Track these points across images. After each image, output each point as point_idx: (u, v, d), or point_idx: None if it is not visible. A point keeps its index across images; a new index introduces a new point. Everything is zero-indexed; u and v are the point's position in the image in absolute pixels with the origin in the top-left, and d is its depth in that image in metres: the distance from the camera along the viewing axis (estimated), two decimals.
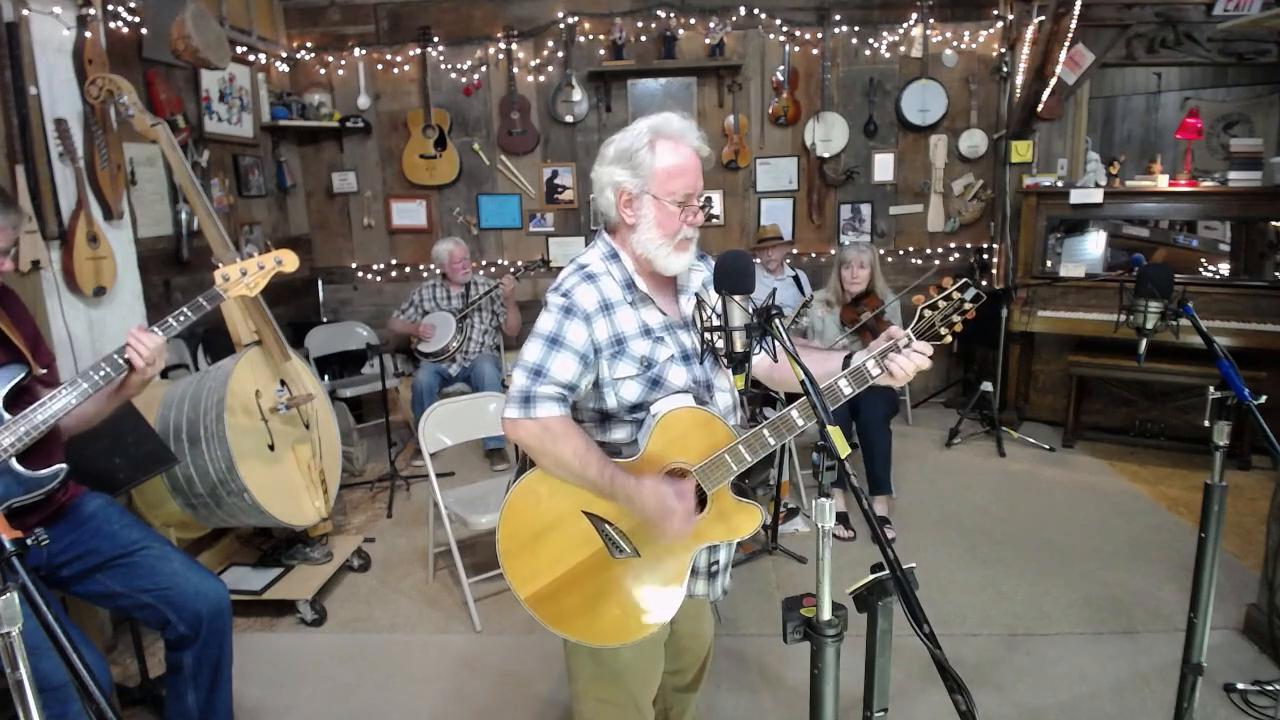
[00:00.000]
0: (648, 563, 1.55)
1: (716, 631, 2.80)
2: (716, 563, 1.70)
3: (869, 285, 3.78)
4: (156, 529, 2.50)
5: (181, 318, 1.91)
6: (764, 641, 2.75)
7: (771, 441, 1.50)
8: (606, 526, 1.54)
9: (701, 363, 1.61)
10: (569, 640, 1.59)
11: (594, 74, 5.11)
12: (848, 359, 1.55)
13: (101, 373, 1.78)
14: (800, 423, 1.47)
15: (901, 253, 5.40)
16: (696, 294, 1.64)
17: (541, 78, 5.19)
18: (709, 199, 5.34)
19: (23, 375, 1.80)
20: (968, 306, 1.51)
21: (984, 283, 5.17)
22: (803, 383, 1.24)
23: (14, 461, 1.72)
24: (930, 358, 1.50)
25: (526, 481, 1.56)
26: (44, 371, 1.89)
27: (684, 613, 1.61)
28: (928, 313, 1.52)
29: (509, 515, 1.56)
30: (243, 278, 2.06)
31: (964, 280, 1.52)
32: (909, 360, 1.48)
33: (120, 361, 1.81)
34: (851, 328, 3.75)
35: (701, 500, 1.55)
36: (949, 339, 1.52)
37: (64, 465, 1.81)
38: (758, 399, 3.87)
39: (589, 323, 1.52)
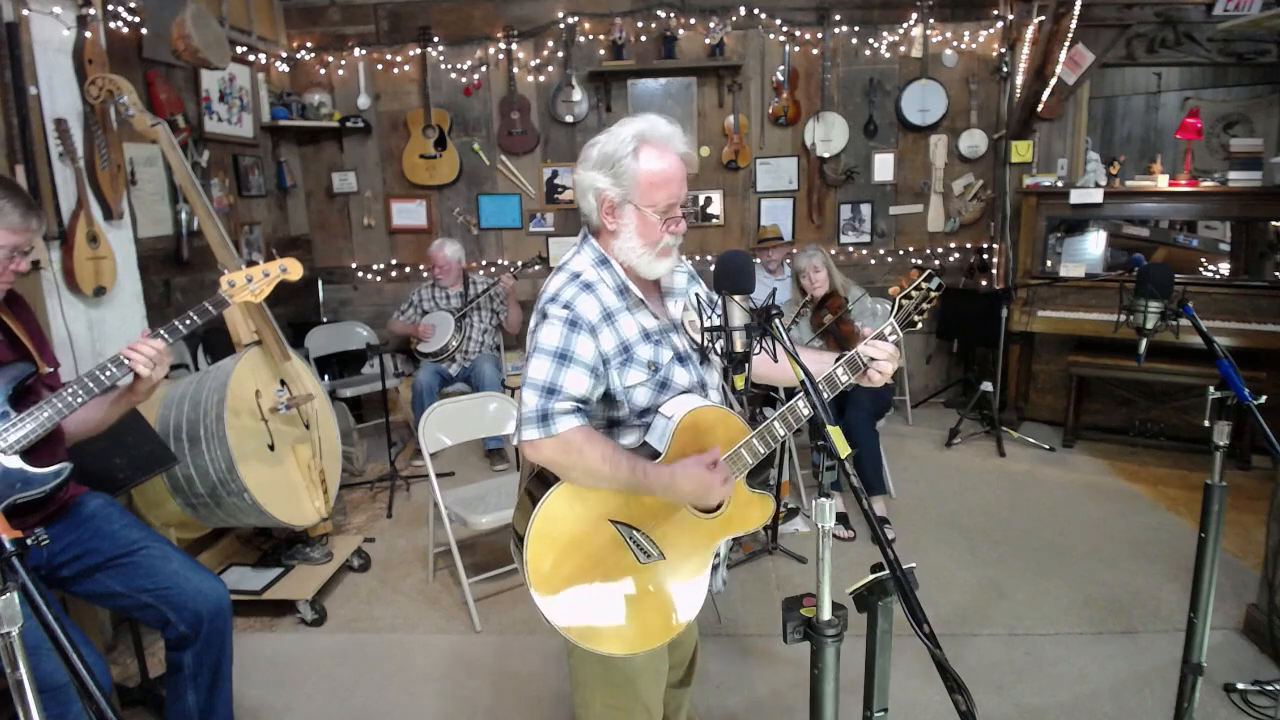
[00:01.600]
0: (672, 564, 1.56)
1: (717, 631, 2.82)
2: (719, 555, 1.71)
3: (830, 286, 3.80)
4: (156, 529, 2.50)
5: (187, 322, 1.92)
6: (764, 641, 2.75)
7: (782, 433, 1.54)
8: (634, 533, 1.53)
9: (691, 361, 1.63)
10: (575, 649, 1.55)
11: (594, 74, 5.11)
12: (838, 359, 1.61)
13: (107, 373, 1.79)
14: (806, 412, 1.50)
15: (901, 253, 5.40)
16: (697, 294, 1.65)
17: (541, 78, 5.19)
18: (708, 198, 5.34)
19: (30, 373, 1.80)
20: (933, 295, 1.61)
21: (983, 283, 5.18)
22: (803, 382, 1.24)
23: (18, 458, 1.72)
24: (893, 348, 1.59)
25: (545, 509, 1.50)
26: (49, 371, 1.90)
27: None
28: (904, 303, 1.60)
29: (534, 543, 1.49)
30: (248, 285, 2.07)
31: (928, 271, 1.62)
32: (880, 352, 1.56)
33: (123, 361, 1.81)
34: (819, 331, 3.77)
35: None
36: (919, 325, 1.64)
37: (68, 464, 1.82)
38: (758, 399, 3.88)
39: (595, 335, 1.50)
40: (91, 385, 1.77)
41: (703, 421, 1.54)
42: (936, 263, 5.37)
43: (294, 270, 2.16)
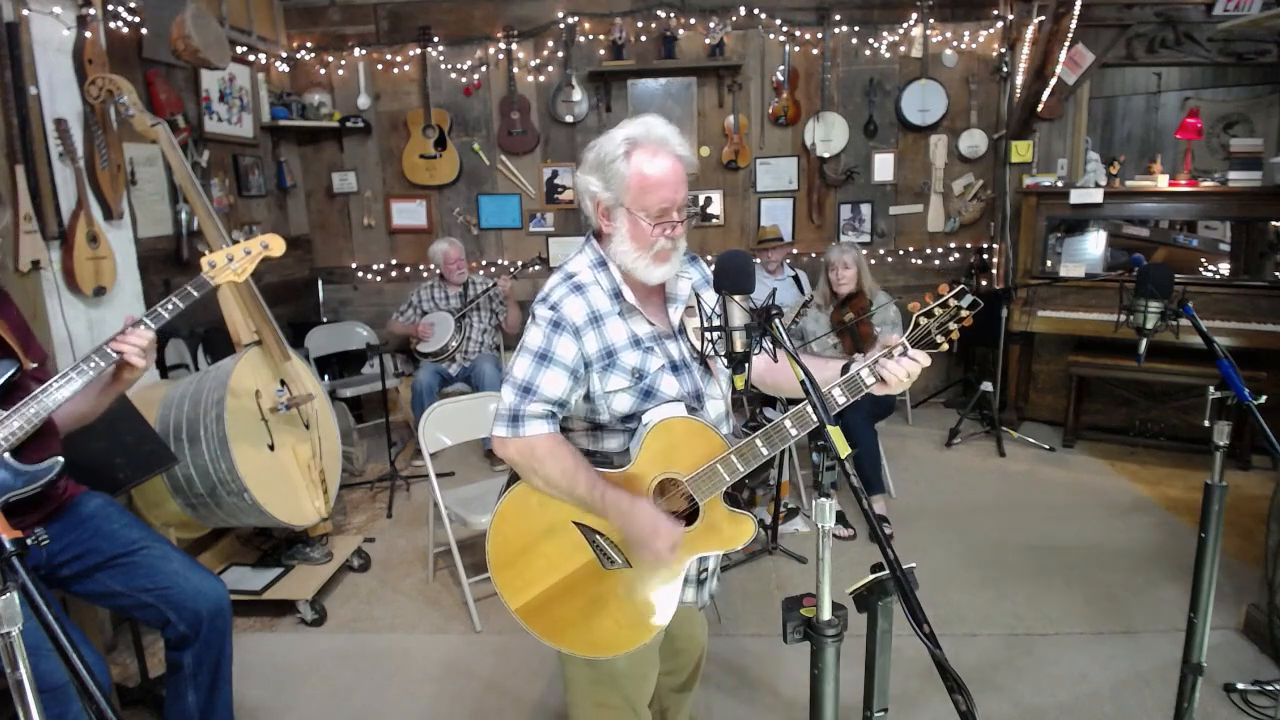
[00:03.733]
0: (640, 573, 1.55)
1: (717, 631, 2.81)
2: (705, 570, 1.69)
3: (857, 285, 3.78)
4: (156, 529, 2.50)
5: (170, 307, 1.87)
6: (764, 641, 2.75)
7: (764, 451, 1.46)
8: (598, 537, 1.53)
9: (688, 370, 1.58)
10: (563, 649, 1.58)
11: (594, 74, 5.11)
12: (846, 368, 1.49)
13: (92, 364, 1.76)
14: (794, 432, 1.42)
15: (901, 253, 5.40)
16: (698, 295, 1.62)
17: (541, 78, 5.19)
18: (708, 198, 5.34)
19: (13, 370, 1.78)
20: (964, 314, 1.42)
21: (983, 283, 5.17)
22: (803, 383, 1.23)
23: (8, 455, 1.70)
24: (923, 363, 1.43)
25: (516, 492, 1.54)
26: (34, 366, 1.87)
27: (677, 616, 1.60)
28: (923, 320, 1.44)
29: (499, 526, 1.55)
30: (229, 264, 2.03)
31: (960, 287, 1.44)
32: (900, 367, 1.41)
33: (110, 353, 1.79)
34: (837, 329, 3.75)
35: (694, 511, 1.54)
36: (945, 347, 1.44)
37: (60, 458, 1.79)
38: (757, 399, 3.88)
39: (578, 337, 1.49)
40: (76, 378, 1.75)
41: (677, 432, 1.50)
42: (937, 263, 5.37)
43: (275, 246, 2.11)
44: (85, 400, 1.85)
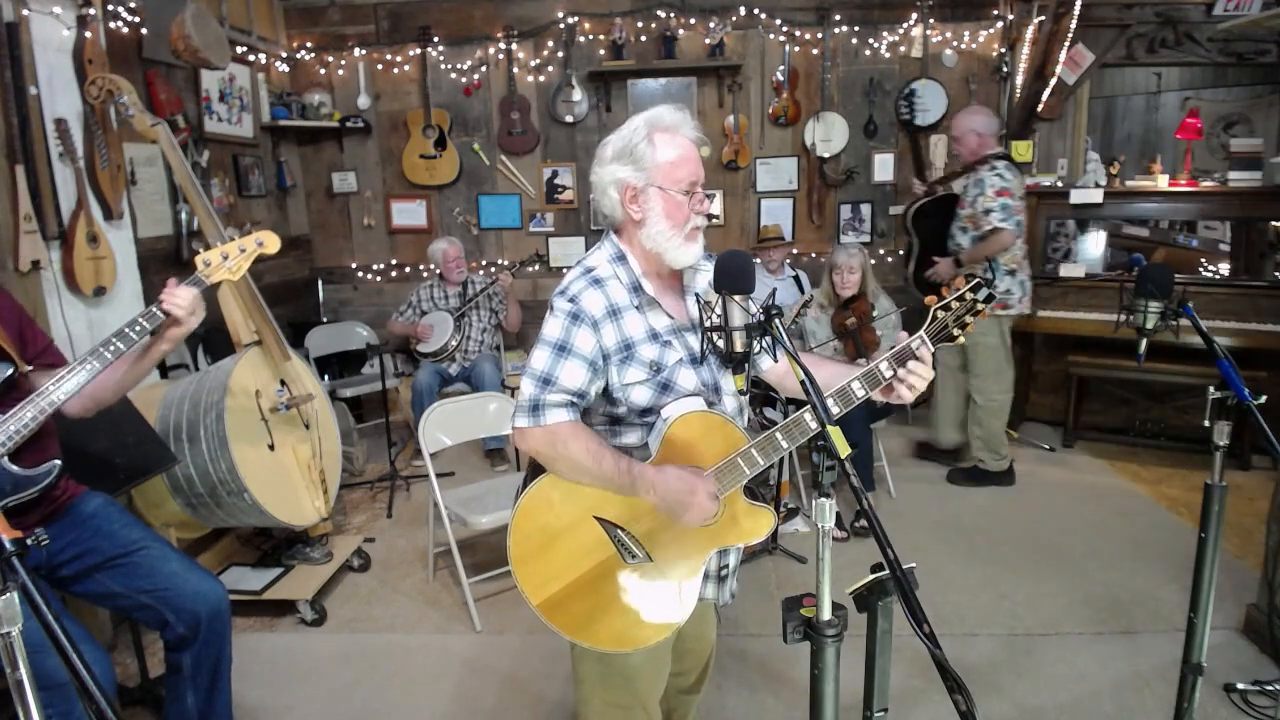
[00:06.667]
0: (660, 567, 1.55)
1: (718, 632, 2.81)
2: (726, 566, 1.69)
3: (860, 288, 3.78)
4: (156, 529, 2.50)
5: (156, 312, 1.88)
6: (765, 641, 2.75)
7: (784, 445, 1.48)
8: (618, 532, 1.53)
9: (704, 362, 1.60)
10: (577, 644, 1.58)
11: (594, 74, 5.11)
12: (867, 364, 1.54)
13: (137, 328, 1.75)
14: (813, 426, 1.43)
15: (901, 253, 5.40)
16: (698, 294, 1.63)
17: (541, 78, 5.19)
18: (709, 197, 5.33)
19: (10, 373, 1.76)
20: (980, 306, 1.49)
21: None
22: (802, 383, 1.24)
23: (6, 460, 1.68)
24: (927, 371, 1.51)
25: (538, 487, 1.54)
26: (30, 369, 1.85)
27: (692, 614, 1.60)
28: (940, 313, 1.51)
29: (520, 521, 1.55)
30: (224, 262, 2.00)
31: (976, 280, 1.50)
32: (913, 373, 1.48)
33: (157, 313, 1.78)
34: (839, 333, 3.75)
35: None
36: (961, 339, 1.52)
37: (58, 461, 1.77)
38: (758, 399, 3.87)
39: (597, 329, 1.50)
40: (96, 365, 1.72)
41: (697, 426, 1.52)
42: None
43: (270, 243, 2.07)
44: (116, 370, 1.82)
